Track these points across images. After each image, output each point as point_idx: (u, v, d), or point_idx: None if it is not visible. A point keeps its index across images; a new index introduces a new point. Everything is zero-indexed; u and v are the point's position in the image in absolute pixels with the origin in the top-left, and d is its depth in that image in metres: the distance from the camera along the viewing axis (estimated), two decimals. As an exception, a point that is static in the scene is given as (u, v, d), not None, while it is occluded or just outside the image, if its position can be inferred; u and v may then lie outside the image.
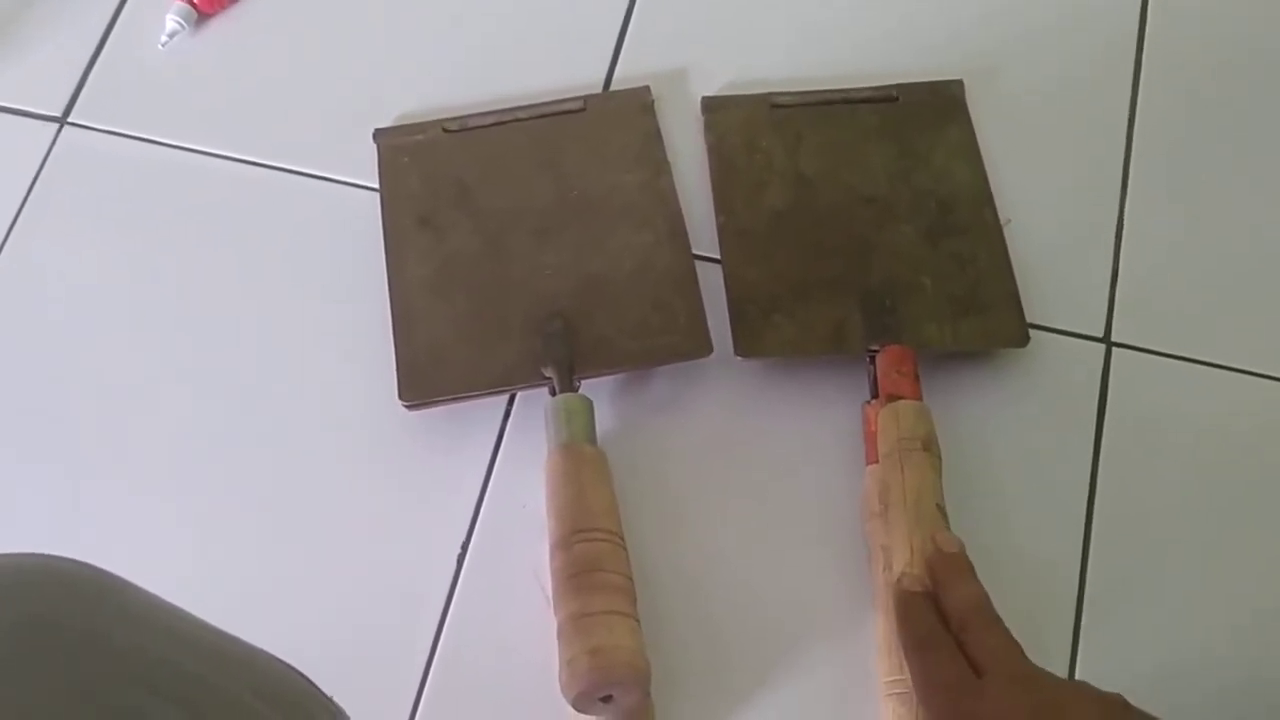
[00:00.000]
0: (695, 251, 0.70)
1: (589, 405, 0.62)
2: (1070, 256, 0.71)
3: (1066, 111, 0.76)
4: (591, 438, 0.61)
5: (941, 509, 0.56)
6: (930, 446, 0.58)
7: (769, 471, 0.65)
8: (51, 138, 0.77)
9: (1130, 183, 0.73)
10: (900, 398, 0.60)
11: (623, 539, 0.57)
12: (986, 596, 0.54)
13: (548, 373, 0.64)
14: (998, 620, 0.53)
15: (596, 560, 0.54)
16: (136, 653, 0.34)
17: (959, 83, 0.75)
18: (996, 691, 0.49)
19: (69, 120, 0.77)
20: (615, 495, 0.59)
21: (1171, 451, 0.67)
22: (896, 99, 0.75)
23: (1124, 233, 0.72)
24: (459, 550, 0.64)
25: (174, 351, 0.70)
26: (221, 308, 0.72)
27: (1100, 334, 0.69)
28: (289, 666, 0.40)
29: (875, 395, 0.64)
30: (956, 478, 0.62)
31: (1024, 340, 0.66)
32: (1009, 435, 0.66)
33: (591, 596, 0.53)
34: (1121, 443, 0.67)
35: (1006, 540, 0.63)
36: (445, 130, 0.74)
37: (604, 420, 0.64)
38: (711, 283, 0.69)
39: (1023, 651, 0.52)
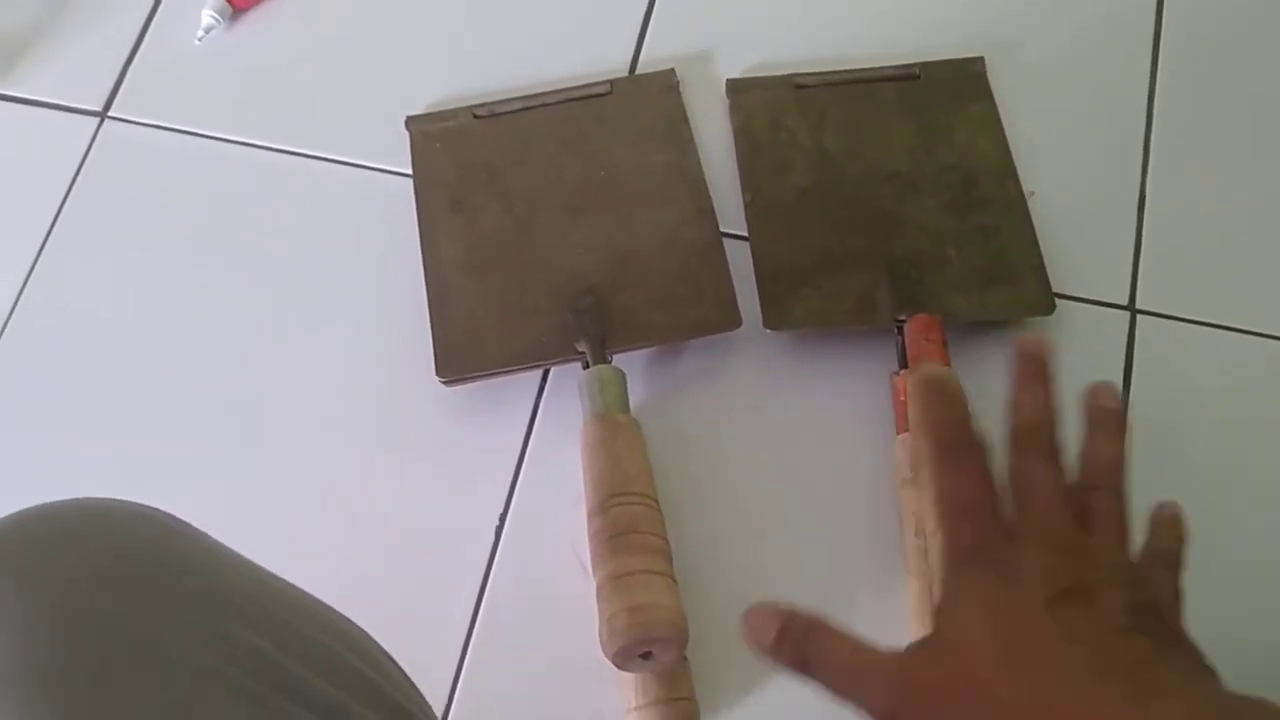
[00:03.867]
0: (723, 229, 0.71)
1: (622, 376, 0.63)
2: (1094, 225, 0.72)
3: (1087, 83, 0.77)
4: (625, 407, 0.62)
5: (971, 469, 0.57)
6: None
7: (799, 441, 0.67)
8: (93, 132, 0.79)
9: (1152, 151, 0.74)
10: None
11: (657, 503, 0.58)
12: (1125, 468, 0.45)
13: (580, 347, 0.66)
14: (1125, 500, 0.44)
15: (633, 522, 0.56)
16: (236, 591, 0.35)
17: (980, 59, 0.76)
18: (1035, 554, 0.40)
19: (109, 114, 0.80)
20: (649, 462, 0.60)
21: (1198, 417, 0.67)
22: (918, 77, 0.76)
23: (1146, 201, 0.73)
24: (497, 522, 0.66)
25: (217, 336, 0.72)
26: (262, 292, 0.73)
27: (1125, 302, 0.70)
28: (354, 623, 0.42)
29: (904, 365, 0.65)
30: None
31: (1050, 308, 0.67)
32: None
33: (629, 557, 0.54)
34: (1148, 410, 0.67)
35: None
36: (475, 116, 0.76)
37: (636, 393, 0.66)
38: (739, 259, 0.70)
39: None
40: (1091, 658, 0.37)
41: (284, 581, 0.40)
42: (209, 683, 0.32)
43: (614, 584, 0.54)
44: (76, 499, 0.35)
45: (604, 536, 0.56)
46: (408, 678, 0.45)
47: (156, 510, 0.37)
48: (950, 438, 0.44)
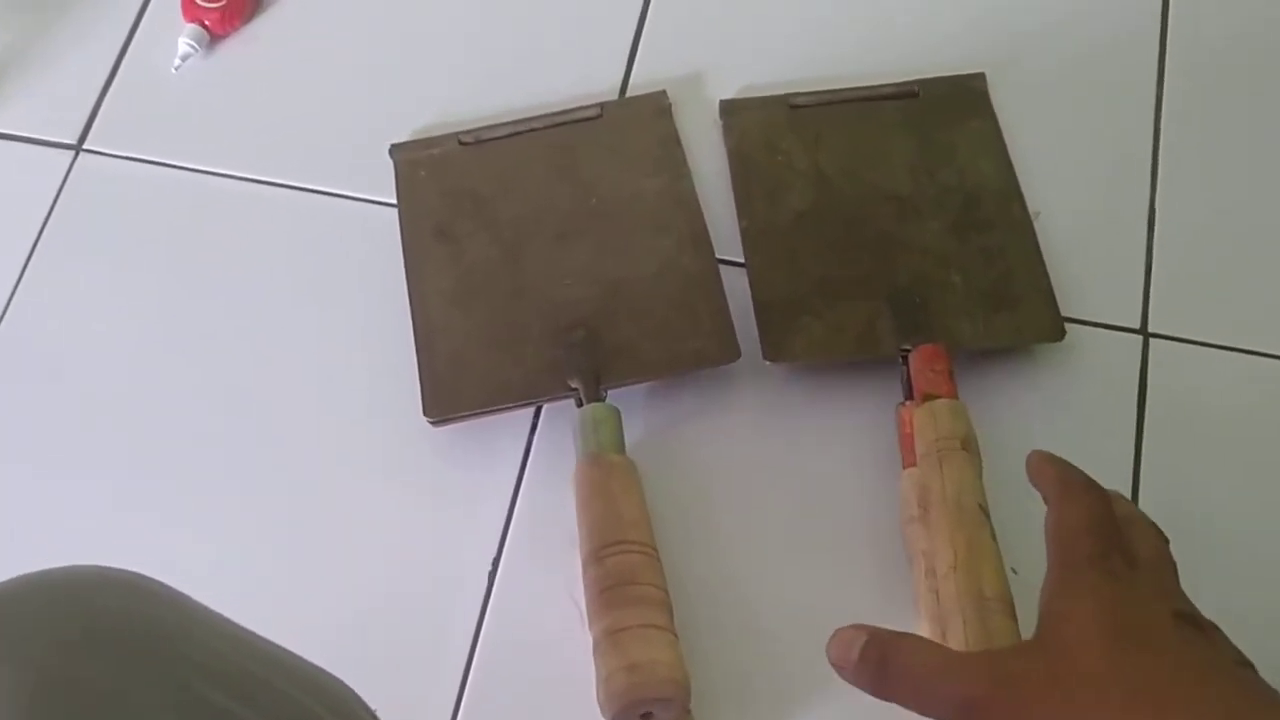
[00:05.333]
0: (719, 255, 0.69)
1: (616, 414, 0.61)
2: (1102, 247, 0.70)
3: (1091, 99, 0.74)
4: (620, 447, 0.60)
5: (984, 509, 0.55)
6: (969, 445, 0.57)
7: (802, 478, 0.64)
8: (67, 165, 0.77)
9: (1160, 169, 0.72)
10: (936, 396, 0.59)
11: (655, 550, 0.56)
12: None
13: (573, 383, 0.63)
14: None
15: (630, 573, 0.53)
16: (202, 650, 0.36)
17: (980, 75, 0.74)
18: (1158, 576, 0.44)
19: (84, 147, 0.77)
20: (646, 505, 0.58)
21: (1216, 444, 0.65)
22: (917, 94, 0.73)
23: (1156, 220, 0.70)
24: (490, 567, 0.63)
25: (196, 373, 0.70)
26: (242, 328, 0.71)
27: (1137, 325, 0.68)
28: (336, 678, 0.41)
29: (909, 396, 0.63)
30: (995, 477, 0.60)
31: (1059, 335, 0.65)
32: (1047, 433, 0.64)
33: (626, 610, 0.52)
34: (1164, 437, 0.65)
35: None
36: (461, 143, 0.74)
37: (632, 430, 0.63)
38: (736, 287, 0.68)
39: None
40: (1208, 667, 0.40)
41: (262, 639, 0.39)
42: None
43: (611, 640, 0.52)
44: (51, 570, 0.36)
45: (599, 588, 0.53)
46: None
47: (136, 575, 0.38)
48: (1074, 477, 0.47)
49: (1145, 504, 0.63)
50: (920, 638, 0.43)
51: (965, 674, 0.41)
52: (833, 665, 0.44)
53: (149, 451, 0.68)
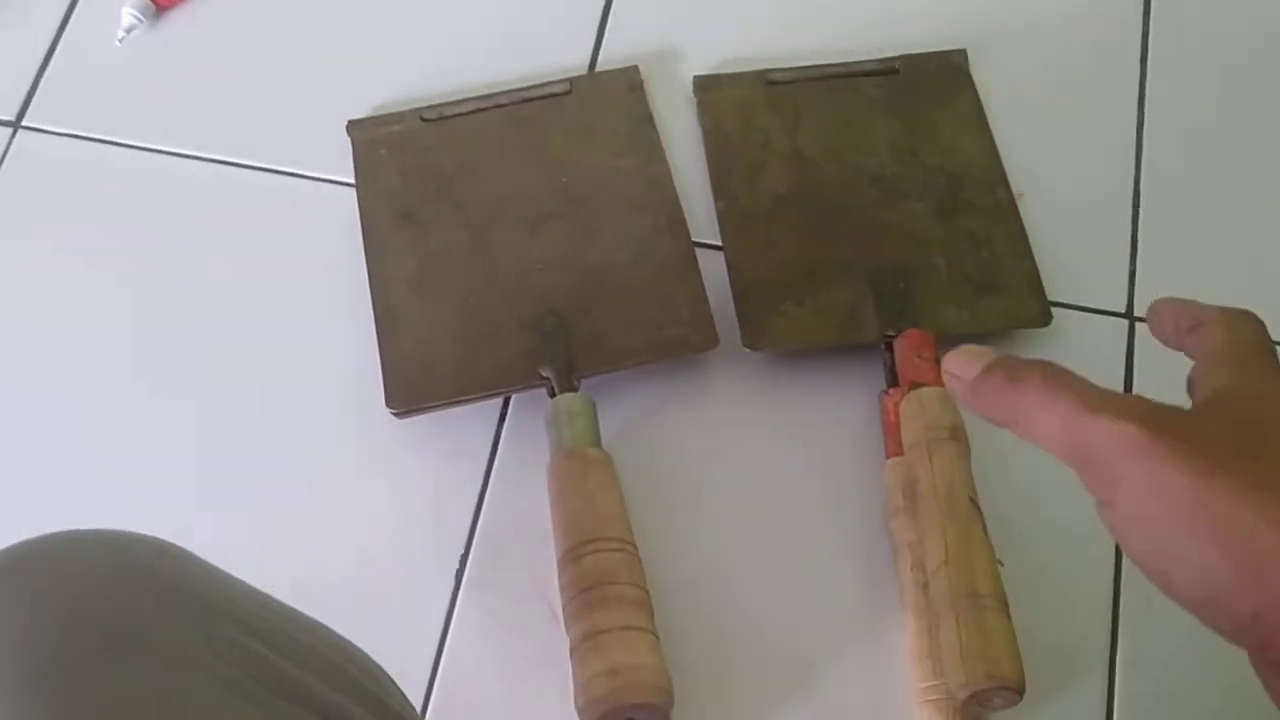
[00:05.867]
0: (695, 239, 0.66)
1: (591, 405, 0.58)
2: (1087, 229, 0.68)
3: (1074, 76, 0.72)
4: (595, 440, 0.57)
5: (974, 502, 0.53)
6: (958, 435, 0.55)
7: (783, 468, 0.62)
8: (5, 143, 0.72)
9: (1144, 148, 0.70)
10: (923, 385, 0.57)
11: (635, 547, 0.53)
12: None
13: (545, 373, 0.60)
14: None
15: (609, 572, 0.50)
16: (230, 602, 0.37)
17: (962, 52, 0.72)
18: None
19: (23, 124, 0.73)
20: (624, 501, 0.55)
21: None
22: (898, 71, 0.71)
23: (1141, 201, 0.69)
24: (457, 565, 0.60)
25: (143, 361, 0.66)
26: (192, 315, 0.67)
27: (1122, 309, 0.66)
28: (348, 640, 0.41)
29: (892, 384, 0.60)
30: (982, 465, 0.58)
31: (1045, 320, 0.63)
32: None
33: (606, 612, 0.49)
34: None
35: (1039, 529, 0.59)
36: (423, 119, 0.70)
37: (607, 421, 0.60)
38: (714, 271, 0.65)
39: None
40: None
41: (279, 601, 0.40)
42: (206, 679, 0.34)
43: (591, 643, 0.49)
44: (79, 529, 0.37)
45: (577, 589, 0.50)
46: (406, 696, 0.43)
47: (161, 540, 0.38)
48: (1227, 308, 0.41)
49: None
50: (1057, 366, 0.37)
51: (1127, 408, 0.35)
52: (947, 373, 0.39)
53: (89, 443, 0.64)
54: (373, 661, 0.42)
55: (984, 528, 0.52)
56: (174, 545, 0.38)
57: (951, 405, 0.56)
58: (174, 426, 0.64)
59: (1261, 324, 0.40)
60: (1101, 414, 0.35)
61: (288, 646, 0.37)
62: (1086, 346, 0.65)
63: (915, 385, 0.57)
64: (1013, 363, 0.38)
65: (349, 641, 0.41)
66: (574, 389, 0.58)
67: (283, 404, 0.65)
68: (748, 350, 0.62)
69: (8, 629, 0.33)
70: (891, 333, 0.61)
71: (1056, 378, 0.36)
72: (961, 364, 0.38)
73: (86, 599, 0.34)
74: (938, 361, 0.58)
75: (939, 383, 0.57)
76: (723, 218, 0.66)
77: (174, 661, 0.34)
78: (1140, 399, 0.36)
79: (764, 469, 0.62)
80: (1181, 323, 0.42)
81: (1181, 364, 0.64)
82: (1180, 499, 0.33)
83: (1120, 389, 0.64)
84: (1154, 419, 0.34)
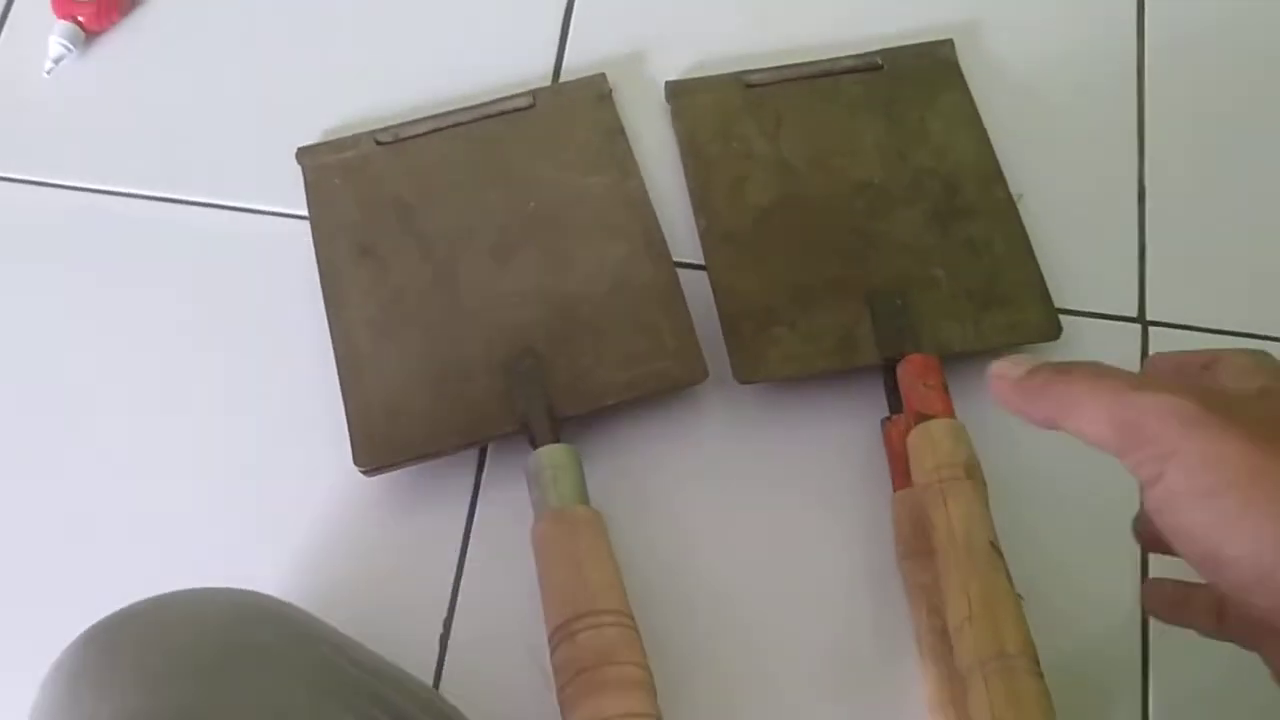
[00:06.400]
0: (676, 258, 0.62)
1: (576, 458, 0.54)
2: (1092, 229, 0.64)
3: (1067, 64, 0.68)
4: (582, 496, 0.53)
5: (996, 547, 0.49)
6: (974, 473, 0.51)
7: (783, 506, 0.58)
8: (-74, 188, 0.67)
9: (1147, 139, 0.66)
10: (931, 416, 0.53)
11: (632, 618, 0.49)
12: None
13: (523, 420, 0.56)
14: None
15: (607, 651, 0.46)
16: (330, 635, 0.45)
17: (948, 42, 0.68)
18: None
19: (-56, 167, 0.68)
20: (617, 564, 0.51)
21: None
22: (881, 67, 0.67)
23: (1146, 197, 0.65)
24: (441, 629, 0.56)
25: (79, 422, 0.61)
26: (136, 369, 0.62)
27: (1134, 313, 0.62)
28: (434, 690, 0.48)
29: (895, 409, 0.57)
30: (991, 489, 0.54)
31: (1055, 332, 0.59)
32: (1046, 435, 0.59)
33: (606, 697, 0.45)
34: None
35: (1057, 558, 0.56)
36: (378, 143, 0.65)
37: (591, 464, 0.56)
38: (698, 292, 0.61)
39: None
40: None
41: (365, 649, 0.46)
42: (325, 697, 0.40)
43: (591, 733, 0.45)
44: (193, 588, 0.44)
45: (574, 670, 0.46)
46: None
47: (249, 593, 0.45)
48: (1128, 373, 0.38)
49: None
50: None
51: (1177, 385, 0.34)
52: (993, 379, 0.38)
53: (19, 512, 0.59)
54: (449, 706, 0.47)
55: (1008, 576, 0.48)
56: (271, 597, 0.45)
57: (965, 438, 0.52)
58: (120, 490, 0.60)
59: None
60: (1151, 389, 0.34)
61: (387, 677, 0.44)
62: (1097, 354, 0.60)
63: (923, 416, 0.53)
64: (1059, 362, 0.38)
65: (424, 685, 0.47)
66: (556, 439, 0.54)
67: (243, 462, 0.60)
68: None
69: (142, 650, 0.40)
70: (891, 354, 0.57)
71: (1104, 367, 0.36)
72: (1006, 366, 0.38)
73: (228, 629, 0.41)
74: (945, 388, 0.54)
75: (948, 412, 0.53)
76: (705, 236, 0.62)
77: (281, 671, 0.40)
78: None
79: (761, 508, 0.58)
80: (1193, 362, 0.40)
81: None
82: (1238, 468, 0.32)
83: (1134, 398, 0.60)
84: (1205, 394, 0.34)
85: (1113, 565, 0.56)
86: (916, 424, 0.53)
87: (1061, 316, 0.60)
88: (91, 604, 0.45)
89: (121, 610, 0.43)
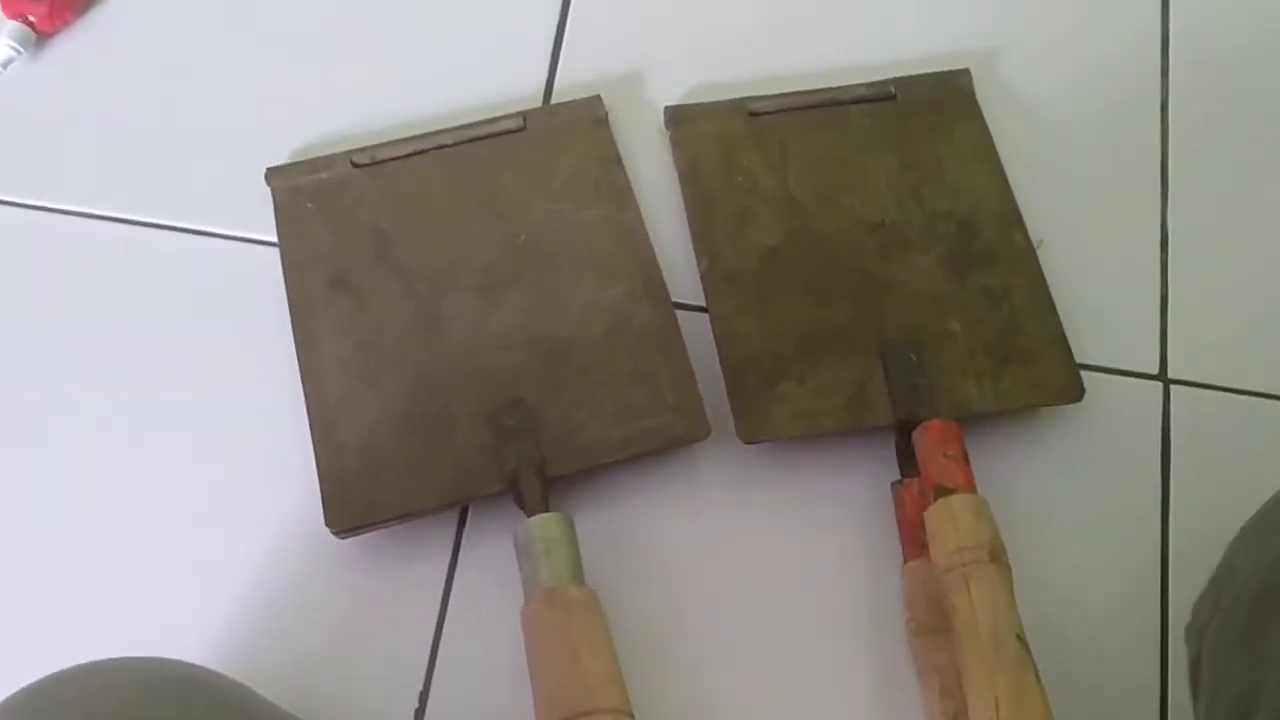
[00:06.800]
0: (675, 299, 0.58)
1: (570, 529, 0.50)
2: (1112, 277, 0.61)
3: (1088, 97, 0.65)
4: (577, 573, 0.49)
5: (1023, 640, 0.45)
6: (998, 556, 0.47)
7: (786, 573, 0.54)
8: None
9: (1170, 180, 0.63)
10: (951, 490, 0.49)
11: (631, 714, 0.45)
12: None
13: (512, 482, 0.52)
14: None
15: (606, 755, 0.42)
16: (257, 704, 0.44)
17: (965, 73, 0.64)
18: None
19: (-121, 176, 0.62)
20: (615, 652, 0.47)
21: (1246, 497, 0.57)
22: (894, 96, 0.63)
23: (1169, 243, 0.61)
24: (416, 704, 0.52)
25: (24, 466, 0.56)
26: (90, 406, 0.57)
27: (1155, 370, 0.59)
28: None
29: (907, 473, 0.53)
30: (1010, 558, 0.51)
31: (1078, 393, 0.55)
32: (1062, 494, 0.56)
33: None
34: (1191, 491, 0.56)
35: (1075, 622, 0.53)
36: (355, 164, 0.61)
37: (580, 521, 0.52)
38: (698, 335, 0.57)
39: None
40: None
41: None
42: None
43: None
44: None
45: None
46: None
47: (165, 662, 0.43)
48: None
49: (1176, 565, 0.55)
50: None
51: None
52: None
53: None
54: None
55: (1036, 673, 0.45)
56: (187, 670, 0.43)
57: (988, 516, 0.48)
58: (65, 539, 0.55)
59: None
60: None
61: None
62: (1117, 412, 0.58)
63: (943, 490, 0.49)
64: None
65: None
66: (547, 507, 0.50)
67: (202, 511, 0.55)
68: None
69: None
70: (906, 416, 0.53)
71: None
72: None
73: (107, 697, 0.39)
74: (966, 458, 0.50)
75: (970, 485, 0.49)
76: (706, 278, 0.58)
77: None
78: None
79: (763, 574, 0.54)
80: None
81: (1222, 431, 0.58)
82: None
83: (1156, 459, 0.57)
84: None
85: (1139, 651, 0.53)
86: (936, 497, 0.49)
87: (1081, 372, 0.57)
88: (19, 668, 0.40)
89: (24, 688, 0.40)
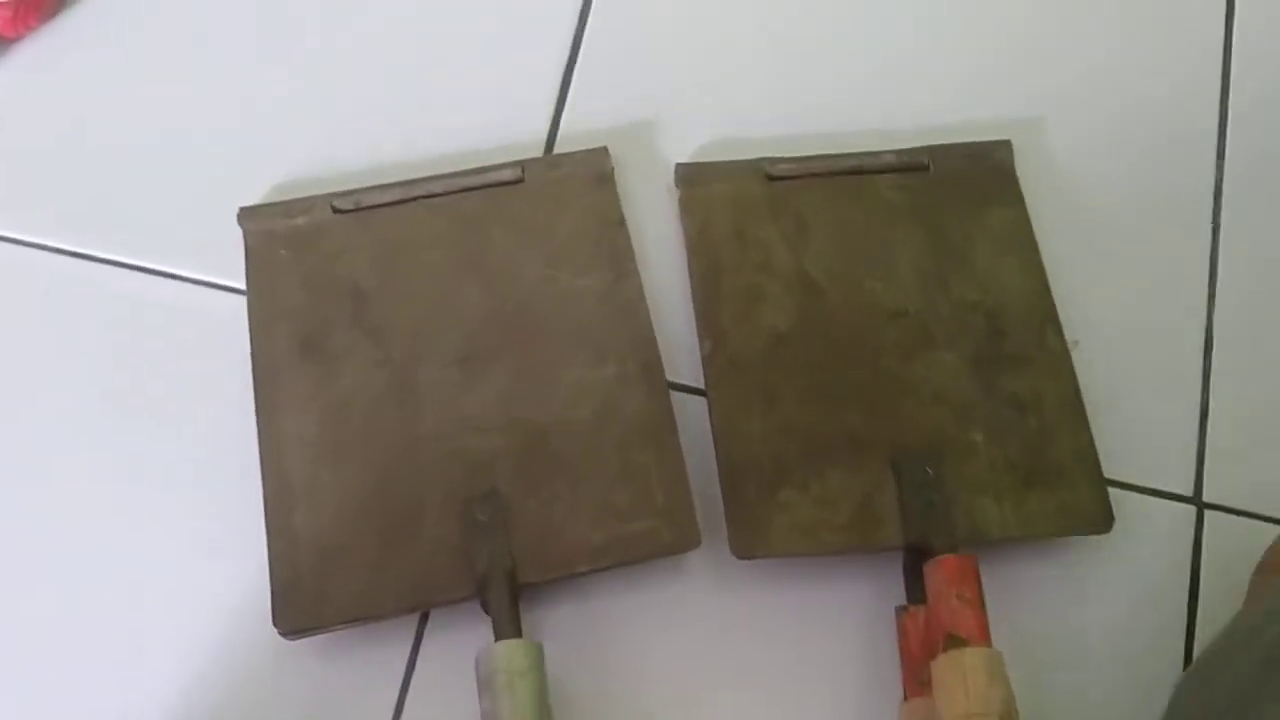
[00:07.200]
0: (673, 378, 0.53)
1: (538, 659, 0.45)
2: (1149, 383, 0.56)
3: (1136, 179, 0.60)
4: (543, 710, 0.44)
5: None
6: (1009, 717, 0.43)
7: (776, 701, 0.49)
8: None
9: (1219, 279, 0.58)
10: (963, 641, 0.44)
11: None
12: None
13: (480, 582, 0.47)
14: None
15: None
16: None
17: (1006, 144, 0.59)
18: None
19: None
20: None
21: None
22: (927, 167, 0.58)
23: (1214, 350, 0.57)
24: (364, 818, 0.48)
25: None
26: (30, 458, 0.53)
27: (1189, 492, 0.54)
28: None
29: (913, 599, 0.49)
30: (1019, 677, 0.46)
31: (1106, 524, 0.51)
32: (1080, 623, 0.51)
33: None
34: (1222, 620, 0.51)
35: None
36: (336, 210, 0.56)
37: (550, 637, 0.48)
38: (694, 423, 0.52)
39: None
40: None
41: None
42: None
43: None
44: None
45: None
46: None
47: None
48: None
49: None
50: None
51: None
52: None
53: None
54: None
55: None
56: None
57: (1002, 675, 0.44)
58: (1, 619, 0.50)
59: None
60: None
61: None
62: (1145, 535, 0.53)
63: (953, 640, 0.44)
64: None
65: None
66: (518, 632, 0.45)
67: (137, 599, 0.50)
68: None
69: None
70: (917, 540, 0.48)
71: None
72: None
73: None
74: (982, 604, 0.46)
75: (984, 637, 0.45)
76: (708, 363, 0.53)
77: None
78: None
79: (751, 704, 0.49)
80: None
81: (1255, 556, 0.54)
82: None
83: (1185, 584, 0.53)
84: None
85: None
86: (946, 647, 0.44)
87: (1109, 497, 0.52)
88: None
89: None
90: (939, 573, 0.46)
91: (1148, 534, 0.53)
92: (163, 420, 0.53)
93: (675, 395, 0.53)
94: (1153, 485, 0.54)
